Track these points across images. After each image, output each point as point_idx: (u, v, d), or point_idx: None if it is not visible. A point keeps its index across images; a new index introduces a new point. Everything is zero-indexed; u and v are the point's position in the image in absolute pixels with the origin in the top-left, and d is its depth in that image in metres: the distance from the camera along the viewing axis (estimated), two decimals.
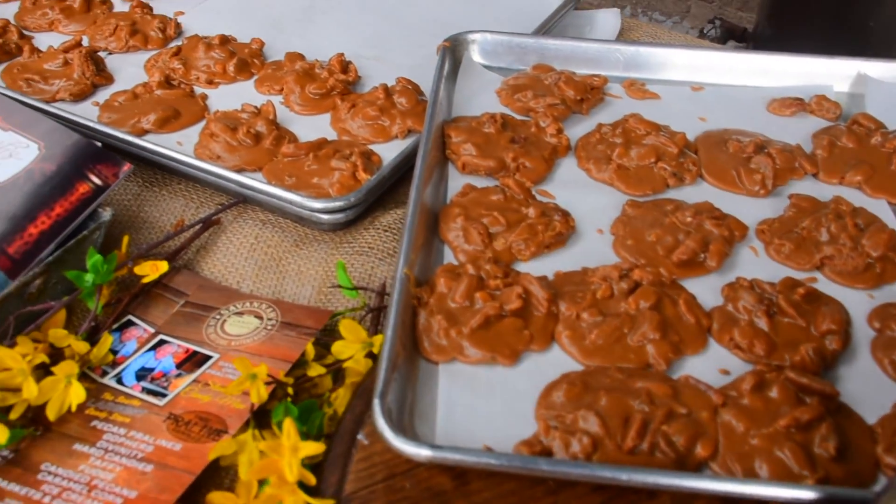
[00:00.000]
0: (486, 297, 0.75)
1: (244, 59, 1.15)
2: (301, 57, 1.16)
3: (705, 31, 2.62)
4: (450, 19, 1.28)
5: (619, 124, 0.98)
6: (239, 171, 0.97)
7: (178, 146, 1.01)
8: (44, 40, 1.19)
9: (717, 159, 0.95)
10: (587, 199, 0.90)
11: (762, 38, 2.51)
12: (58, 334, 0.77)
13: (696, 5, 3.56)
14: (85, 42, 1.19)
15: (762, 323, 0.75)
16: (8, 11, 1.25)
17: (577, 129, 1.00)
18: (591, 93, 1.03)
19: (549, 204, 0.88)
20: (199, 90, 1.11)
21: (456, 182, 0.91)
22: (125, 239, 0.86)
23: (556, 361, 0.73)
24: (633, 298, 0.76)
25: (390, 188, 0.97)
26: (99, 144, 0.89)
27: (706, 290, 0.80)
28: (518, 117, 1.01)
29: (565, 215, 0.86)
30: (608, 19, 1.28)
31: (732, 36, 2.70)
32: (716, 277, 0.82)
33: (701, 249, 0.82)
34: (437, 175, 0.91)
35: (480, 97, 1.03)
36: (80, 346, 0.77)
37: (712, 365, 0.73)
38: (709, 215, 0.86)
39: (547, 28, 1.21)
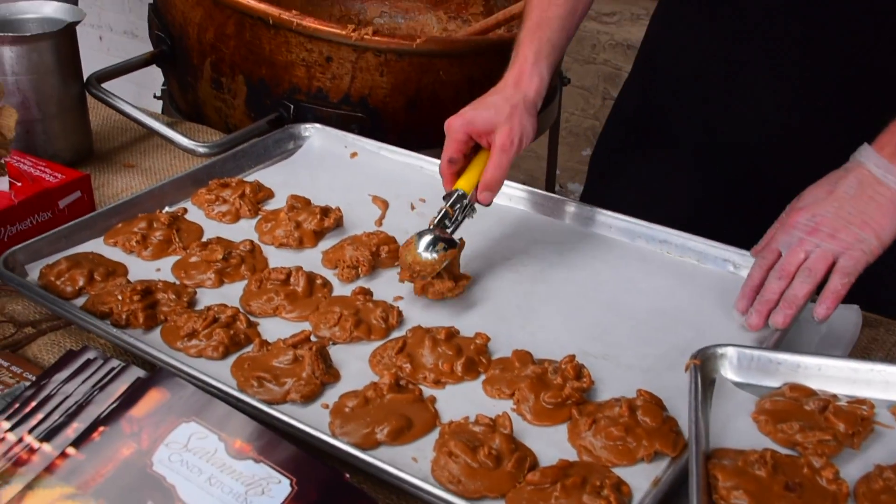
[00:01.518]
0: None
1: (471, 358, 1.12)
2: (529, 356, 1.12)
3: None
4: (673, 310, 1.23)
5: None
6: (480, 498, 0.92)
7: (413, 463, 0.97)
8: (268, 327, 1.19)
9: None
10: None
11: None
12: None
13: None
14: (308, 329, 1.18)
15: None
16: (232, 292, 1.26)
17: (851, 468, 0.91)
18: (861, 424, 0.94)
19: None
20: (426, 391, 1.08)
21: None
22: None
23: None
24: None
25: None
26: (347, 476, 0.86)
27: None
28: (780, 449, 0.93)
29: None
30: (848, 317, 1.20)
31: None
32: None
33: None
34: None
35: (737, 423, 0.96)
36: None
37: None
38: None
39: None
